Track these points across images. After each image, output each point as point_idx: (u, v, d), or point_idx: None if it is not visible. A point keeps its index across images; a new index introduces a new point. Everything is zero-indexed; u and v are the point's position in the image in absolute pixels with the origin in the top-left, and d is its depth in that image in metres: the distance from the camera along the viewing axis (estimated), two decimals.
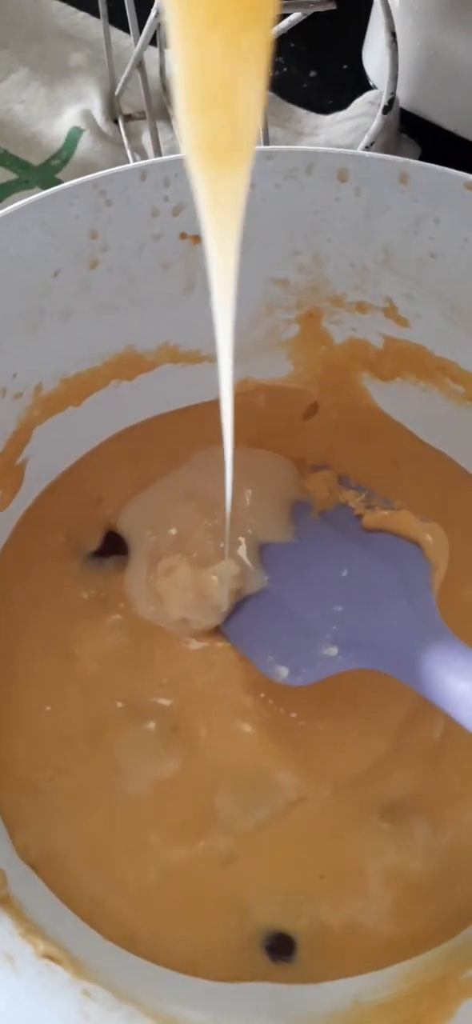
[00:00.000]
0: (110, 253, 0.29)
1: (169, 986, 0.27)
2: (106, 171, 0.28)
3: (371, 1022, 0.27)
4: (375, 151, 0.29)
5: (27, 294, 0.28)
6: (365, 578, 0.30)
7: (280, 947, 0.28)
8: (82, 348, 0.31)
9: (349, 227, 0.29)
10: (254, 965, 0.28)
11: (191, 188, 0.15)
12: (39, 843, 0.29)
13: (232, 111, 0.13)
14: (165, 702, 0.31)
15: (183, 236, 0.29)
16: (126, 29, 0.40)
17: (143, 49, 0.35)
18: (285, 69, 0.47)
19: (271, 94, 0.45)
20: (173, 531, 0.33)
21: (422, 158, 0.41)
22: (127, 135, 0.43)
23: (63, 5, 0.47)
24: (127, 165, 0.28)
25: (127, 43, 0.45)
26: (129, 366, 0.32)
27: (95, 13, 0.45)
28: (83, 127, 0.43)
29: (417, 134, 0.44)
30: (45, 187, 0.28)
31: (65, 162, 0.43)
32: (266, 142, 0.35)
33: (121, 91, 0.42)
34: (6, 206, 0.27)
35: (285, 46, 0.47)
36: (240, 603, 0.31)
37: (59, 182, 0.29)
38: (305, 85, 0.46)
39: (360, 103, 0.44)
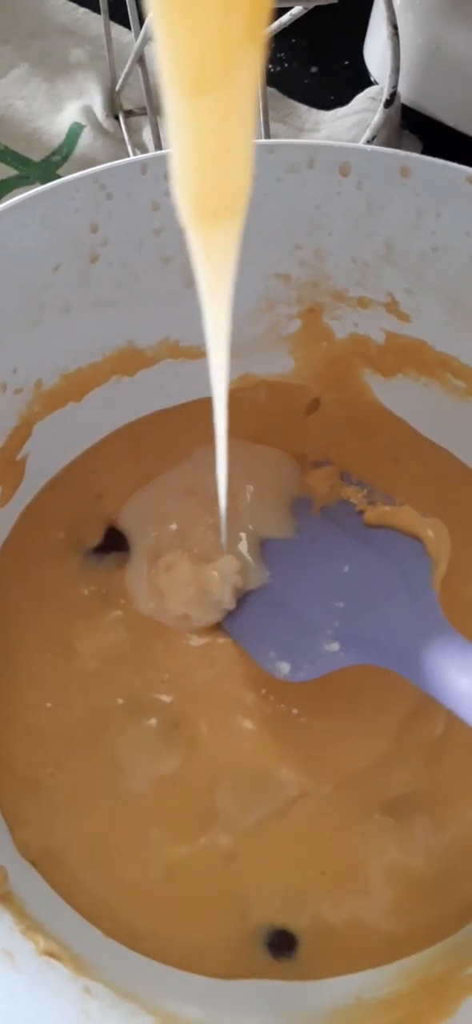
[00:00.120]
0: (110, 247, 0.29)
1: (170, 983, 0.27)
2: (106, 165, 0.28)
3: (372, 1019, 0.26)
4: (376, 146, 0.29)
5: (27, 289, 0.28)
6: (366, 574, 0.30)
7: (281, 944, 0.28)
8: (82, 343, 0.31)
9: (350, 221, 0.29)
10: (255, 962, 0.28)
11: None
12: (39, 840, 0.29)
13: (221, 181, 0.14)
14: (166, 698, 0.30)
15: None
16: (127, 25, 0.40)
17: (144, 44, 0.35)
18: (286, 65, 0.46)
19: (272, 90, 0.45)
20: (174, 527, 0.33)
21: (423, 153, 0.41)
22: (128, 131, 0.43)
23: (64, 1, 0.47)
24: (127, 159, 0.28)
25: (128, 39, 0.45)
26: (130, 361, 0.32)
27: (96, 9, 0.45)
28: (84, 123, 0.43)
29: (418, 129, 0.44)
30: (45, 183, 0.28)
31: (65, 158, 0.43)
32: (267, 137, 0.35)
33: (122, 87, 0.42)
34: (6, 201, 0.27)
35: (286, 42, 0.46)
36: (241, 599, 0.31)
37: (60, 178, 0.29)
38: (306, 81, 0.46)
39: (361, 99, 0.44)
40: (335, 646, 0.29)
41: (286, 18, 0.34)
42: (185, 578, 0.31)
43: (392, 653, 0.27)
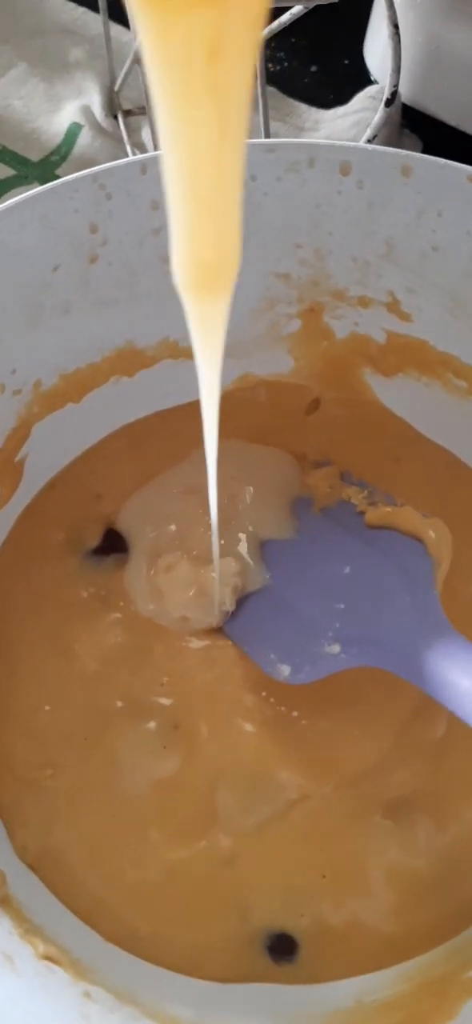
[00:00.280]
0: (110, 247, 0.29)
1: (170, 986, 0.27)
2: (106, 165, 0.28)
3: (372, 1022, 0.26)
4: (377, 145, 0.29)
5: (26, 289, 0.28)
6: (367, 575, 0.30)
7: (281, 947, 0.28)
8: (82, 343, 0.31)
9: (351, 220, 0.29)
10: (255, 965, 0.27)
11: None
12: (38, 843, 0.28)
13: (213, 261, 0.16)
14: (165, 701, 0.30)
15: None
16: (126, 24, 0.40)
17: None
18: (286, 64, 0.46)
19: (272, 89, 0.45)
20: (173, 528, 0.33)
21: (424, 153, 0.41)
22: (127, 130, 0.43)
23: (63, 0, 0.47)
24: (127, 159, 0.28)
25: (127, 38, 0.45)
26: (129, 362, 0.32)
27: (95, 8, 0.45)
28: (82, 123, 0.43)
29: (419, 129, 0.44)
30: (44, 183, 0.28)
31: (64, 158, 0.43)
32: (267, 136, 0.35)
33: (121, 86, 0.42)
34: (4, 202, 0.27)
35: (286, 41, 0.46)
36: (241, 600, 0.31)
37: (58, 178, 0.29)
38: (306, 80, 0.46)
39: (361, 98, 0.44)
40: (336, 648, 0.29)
41: (286, 17, 0.34)
42: (185, 579, 0.31)
43: (393, 655, 0.27)
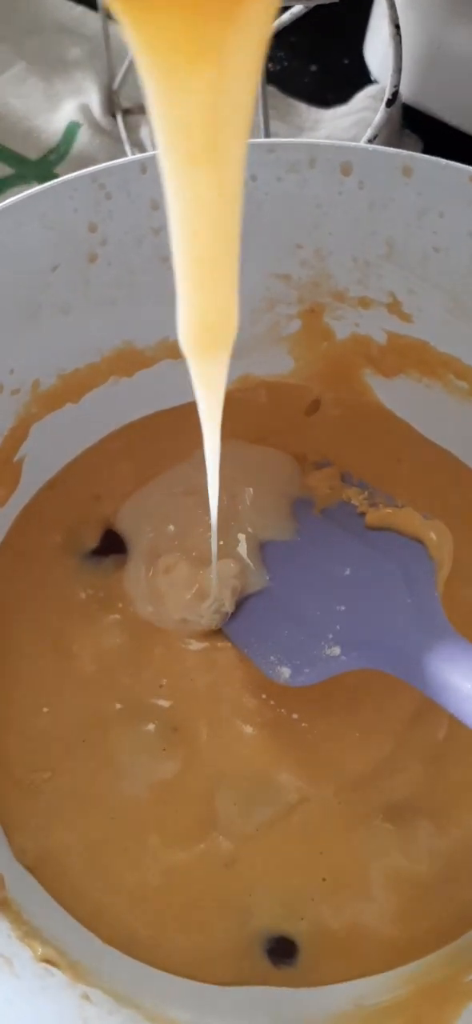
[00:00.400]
0: (109, 247, 0.29)
1: (169, 990, 0.27)
2: (106, 164, 0.27)
3: None
4: (378, 145, 0.29)
5: (25, 289, 0.28)
6: (368, 577, 0.30)
7: (281, 950, 0.28)
8: (81, 343, 0.31)
9: (352, 221, 0.29)
10: (255, 969, 0.27)
11: None
12: (36, 846, 0.28)
13: (213, 327, 0.18)
14: (165, 703, 0.30)
15: None
16: None
17: None
18: (286, 63, 0.46)
19: (272, 88, 0.45)
20: (172, 529, 0.33)
21: (424, 153, 0.41)
22: (126, 129, 0.43)
23: None
24: (127, 158, 0.28)
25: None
26: (128, 362, 0.32)
27: (94, 7, 0.44)
28: (81, 121, 0.43)
29: (419, 129, 0.44)
30: (42, 182, 0.28)
31: (62, 157, 0.42)
32: (267, 136, 0.35)
33: (120, 85, 0.42)
34: (1, 201, 0.27)
35: (286, 40, 0.46)
36: (241, 602, 0.31)
37: (56, 177, 0.29)
38: (306, 79, 0.46)
39: (361, 97, 0.44)
40: (336, 650, 0.28)
41: (286, 17, 0.34)
42: (184, 581, 0.31)
43: (394, 657, 0.27)
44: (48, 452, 0.33)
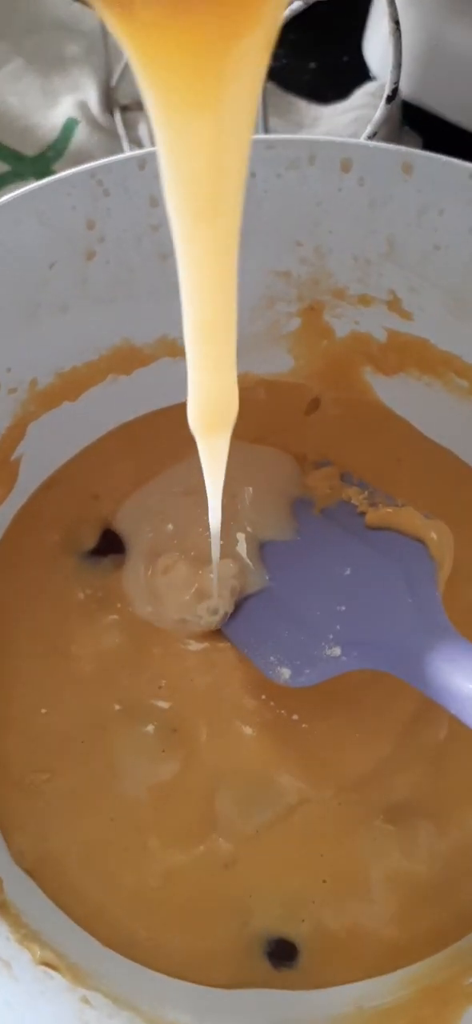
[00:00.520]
0: (108, 244, 0.28)
1: (168, 992, 0.27)
2: (104, 160, 0.27)
3: None
4: (377, 142, 0.29)
5: (22, 286, 0.28)
6: (368, 576, 0.30)
7: (281, 953, 0.27)
8: (78, 341, 0.31)
9: (352, 218, 0.29)
10: (255, 971, 0.27)
11: None
12: (35, 848, 0.28)
13: (218, 411, 0.21)
14: (164, 704, 0.30)
15: None
16: None
17: None
18: (285, 60, 0.46)
19: (271, 85, 0.44)
20: (171, 528, 0.32)
21: (424, 150, 0.41)
22: (124, 126, 0.43)
23: None
24: (125, 154, 0.28)
25: None
26: (126, 360, 0.32)
27: None
28: (79, 118, 0.43)
29: (419, 126, 0.44)
30: (40, 179, 0.28)
31: (60, 153, 0.42)
32: (266, 132, 0.35)
33: (118, 81, 0.42)
34: None
35: (285, 37, 0.46)
36: (241, 602, 0.31)
37: (54, 174, 0.29)
38: (305, 76, 0.46)
39: (361, 94, 0.43)
40: (336, 650, 0.28)
41: (285, 13, 0.34)
42: (183, 581, 0.31)
43: (394, 657, 0.27)
44: (46, 451, 0.32)
